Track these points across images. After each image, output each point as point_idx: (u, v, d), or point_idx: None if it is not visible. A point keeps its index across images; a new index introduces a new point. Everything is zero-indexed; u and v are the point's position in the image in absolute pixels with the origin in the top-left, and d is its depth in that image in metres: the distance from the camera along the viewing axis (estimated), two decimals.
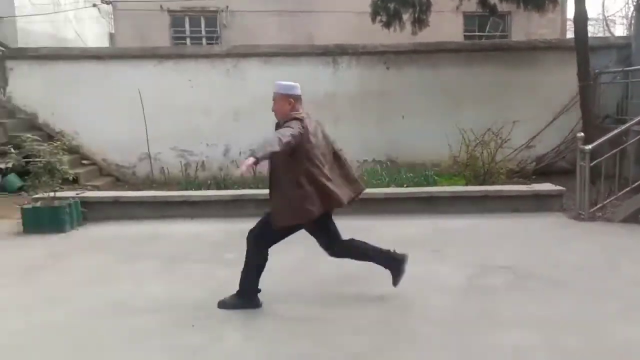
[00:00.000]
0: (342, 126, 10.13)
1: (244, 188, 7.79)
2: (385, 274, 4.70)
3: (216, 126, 9.90)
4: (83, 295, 4.31)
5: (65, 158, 8.19)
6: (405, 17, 9.59)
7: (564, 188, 7.06)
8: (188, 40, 14.03)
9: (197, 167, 9.65)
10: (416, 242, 5.72)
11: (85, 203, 6.64)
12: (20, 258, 5.31)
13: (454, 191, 7.06)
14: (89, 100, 9.58)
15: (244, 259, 4.67)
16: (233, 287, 4.08)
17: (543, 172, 9.27)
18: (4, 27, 12.18)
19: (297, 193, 3.73)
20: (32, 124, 9.65)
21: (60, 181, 6.58)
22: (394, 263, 4.18)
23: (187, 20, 14.05)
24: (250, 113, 9.92)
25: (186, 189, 7.99)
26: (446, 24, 12.10)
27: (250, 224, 6.37)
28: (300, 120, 3.78)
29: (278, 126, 3.94)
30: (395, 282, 4.19)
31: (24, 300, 4.23)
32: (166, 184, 9.19)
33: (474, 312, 3.90)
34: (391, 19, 9.45)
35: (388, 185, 7.68)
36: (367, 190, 7.16)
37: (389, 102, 10.14)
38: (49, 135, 9.13)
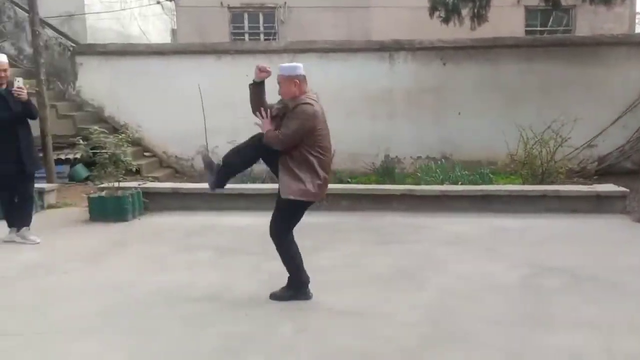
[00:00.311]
0: (397, 122, 10.13)
1: None
2: (439, 271, 4.71)
3: None
4: (144, 282, 4.52)
5: (129, 150, 8.57)
6: (464, 12, 9.44)
7: (627, 189, 6.79)
8: (246, 36, 14.30)
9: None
10: (470, 240, 5.66)
11: (147, 193, 6.92)
12: (87, 244, 5.61)
13: (510, 190, 6.91)
14: (152, 94, 9.94)
15: None
16: (283, 279, 4.17)
17: (605, 172, 8.93)
18: (75, 25, 12.81)
19: (300, 171, 3.84)
20: (99, 117, 10.12)
21: (123, 172, 6.88)
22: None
23: (246, 16, 14.32)
24: None
25: (240, 182, 8.17)
26: (506, 19, 11.79)
27: (304, 217, 6.49)
28: (311, 105, 3.86)
29: (286, 108, 3.96)
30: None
31: (93, 284, 4.48)
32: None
33: (528, 313, 3.84)
34: (450, 14, 9.33)
35: (442, 183, 7.61)
36: (421, 187, 7.19)
37: (445, 98, 10.02)
38: (114, 128, 9.56)
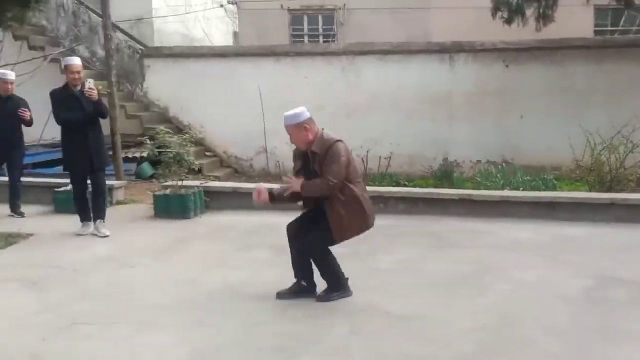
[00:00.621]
0: (457, 125, 9.98)
1: None
2: (500, 278, 4.63)
3: (329, 123, 9.88)
4: (205, 278, 4.67)
5: (192, 150, 8.86)
6: (529, 12, 9.19)
7: None
8: (306, 38, 14.46)
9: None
10: (532, 247, 5.53)
11: (208, 192, 7.14)
12: (153, 240, 5.85)
13: (576, 197, 6.69)
14: (214, 96, 10.22)
15: (352, 254, 4.84)
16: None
17: None
18: (143, 28, 13.34)
19: (352, 209, 3.94)
20: (165, 117, 10.51)
21: (187, 171, 7.13)
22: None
23: (305, 18, 14.48)
24: (363, 111, 10.06)
25: None
26: (574, 19, 11.38)
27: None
28: (339, 141, 3.96)
29: (314, 155, 3.97)
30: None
31: (158, 279, 4.68)
32: (281, 177, 9.56)
33: (590, 324, 3.72)
34: (513, 15, 9.11)
35: (502, 188, 7.44)
36: (480, 192, 7.07)
37: (507, 101, 9.79)
38: (178, 128, 9.90)
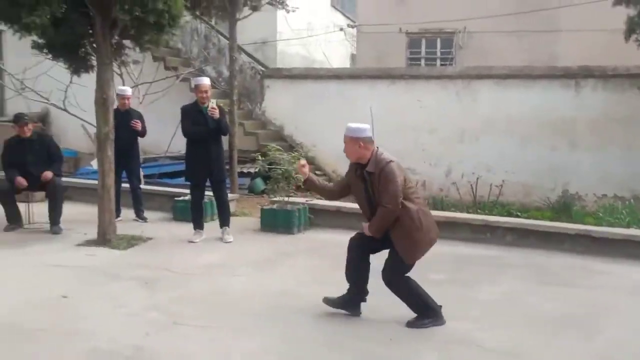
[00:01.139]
0: (579, 154, 9.37)
1: (459, 211, 7.70)
2: (613, 322, 4.25)
3: (440, 146, 9.96)
4: (299, 292, 4.77)
5: None
6: None
7: None
8: (422, 61, 14.39)
9: (416, 184, 9.80)
10: None
11: (313, 209, 7.30)
12: (257, 252, 6.09)
13: None
14: (327, 116, 10.47)
15: (450, 281, 4.70)
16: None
17: None
18: (267, 50, 14.10)
19: (415, 227, 3.93)
20: (279, 135, 10.96)
21: (294, 187, 7.35)
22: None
23: (423, 41, 14.42)
24: (477, 135, 9.78)
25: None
26: None
27: (463, 248, 6.32)
28: (392, 161, 3.91)
29: (363, 168, 4.00)
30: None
31: (258, 288, 4.86)
32: None
33: None
34: None
35: (628, 226, 6.81)
36: (601, 229, 6.52)
37: (639, 130, 8.99)
38: (291, 146, 10.26)
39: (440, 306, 4.13)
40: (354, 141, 4.01)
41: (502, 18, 13.52)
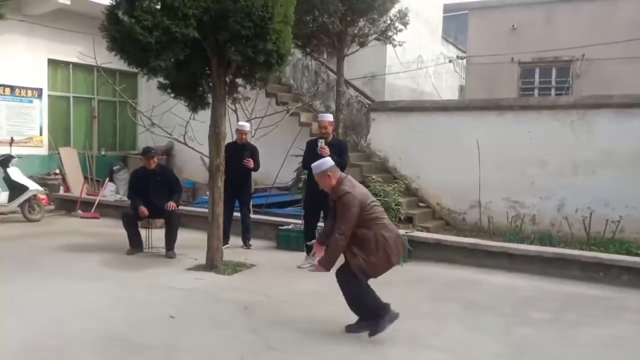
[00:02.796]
0: None
1: (571, 247, 7.27)
2: None
3: (552, 179, 9.48)
4: (395, 326, 4.75)
5: (404, 200, 9.15)
6: None
7: None
8: (536, 91, 13.86)
9: (522, 219, 9.38)
10: None
11: (412, 241, 7.28)
12: None
13: None
14: (432, 148, 10.41)
15: (552, 321, 4.50)
16: (531, 345, 3.94)
17: None
18: (376, 83, 14.38)
19: (370, 250, 4.33)
20: (383, 167, 11.06)
21: (396, 220, 7.39)
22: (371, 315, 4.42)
23: (537, 71, 13.94)
24: (593, 168, 9.20)
25: (509, 241, 7.92)
26: None
27: (572, 286, 5.98)
28: (349, 193, 4.30)
29: (334, 201, 4.46)
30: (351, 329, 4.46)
31: (351, 319, 4.85)
32: (492, 233, 9.23)
33: None
34: None
35: None
36: None
37: None
38: (394, 178, 10.32)
39: (388, 304, 4.44)
40: (323, 174, 4.52)
41: (625, 44, 12.72)
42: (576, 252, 6.75)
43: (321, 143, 6.62)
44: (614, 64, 13.05)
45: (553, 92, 13.54)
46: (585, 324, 4.90)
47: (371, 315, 4.44)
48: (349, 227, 4.30)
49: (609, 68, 13.07)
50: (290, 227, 7.98)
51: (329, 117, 6.94)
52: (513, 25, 14.46)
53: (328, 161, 4.61)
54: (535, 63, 13.91)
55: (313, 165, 4.65)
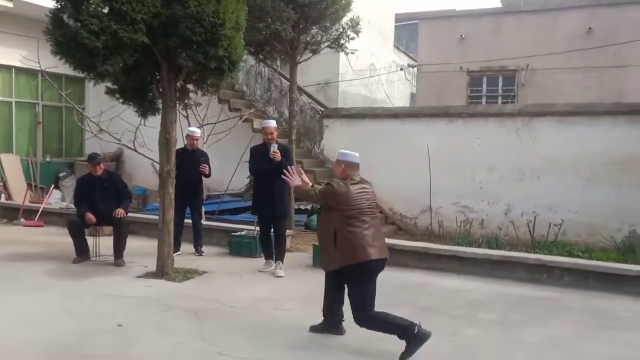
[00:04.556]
0: None
1: (516, 250, 7.52)
2: None
3: (499, 185, 9.79)
4: (351, 330, 4.77)
5: None
6: None
7: None
8: (484, 100, 14.29)
9: (471, 223, 9.64)
10: None
11: None
12: (306, 287, 6.19)
13: None
14: (384, 154, 10.56)
15: (500, 322, 4.63)
16: (480, 345, 4.04)
17: None
18: (329, 91, 14.48)
19: (335, 243, 4.35)
20: None
21: None
22: (407, 332, 4.21)
23: (484, 79, 14.36)
24: (537, 173, 9.55)
25: (458, 244, 8.11)
26: None
27: (517, 288, 6.18)
28: (336, 184, 4.40)
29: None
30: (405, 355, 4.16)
31: (301, 323, 4.91)
32: (443, 237, 9.44)
33: None
34: None
35: None
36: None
37: None
38: None
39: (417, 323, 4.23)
40: (338, 163, 4.64)
41: (566, 54, 13.30)
42: (521, 254, 6.98)
43: (274, 147, 6.68)
44: (556, 73, 13.61)
45: (500, 100, 14.00)
46: (531, 324, 5.07)
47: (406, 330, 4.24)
48: (318, 199, 4.62)
49: (551, 77, 13.62)
50: (243, 233, 7.92)
51: (274, 123, 7.00)
52: (462, 35, 14.89)
53: (349, 155, 4.62)
54: (482, 72, 14.35)
55: (340, 151, 4.69)
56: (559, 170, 9.42)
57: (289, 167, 4.94)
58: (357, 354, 4.27)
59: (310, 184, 4.81)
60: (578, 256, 7.54)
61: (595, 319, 5.24)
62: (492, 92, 14.25)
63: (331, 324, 4.69)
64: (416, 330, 4.15)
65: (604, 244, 8.63)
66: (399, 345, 4.20)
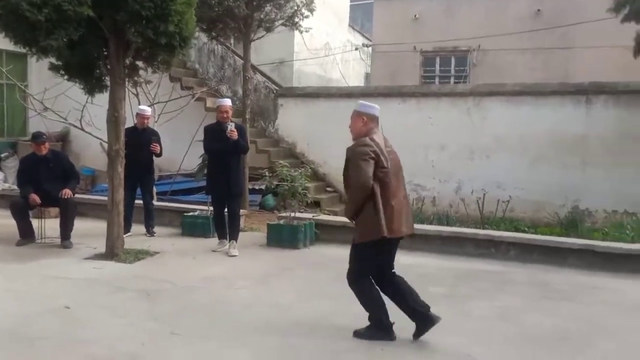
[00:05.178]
0: (591, 171, 9.31)
1: (466, 227, 7.72)
2: (609, 339, 4.25)
3: (450, 163, 10.00)
4: (298, 305, 4.88)
5: (312, 185, 9.25)
6: None
7: None
8: (437, 79, 14.48)
9: (423, 201, 9.83)
10: None
11: (319, 225, 7.40)
12: (260, 266, 6.21)
13: None
14: (339, 133, 10.43)
15: (449, 296, 4.73)
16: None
17: None
18: (284, 70, 14.37)
19: (370, 212, 3.86)
20: (291, 153, 11.12)
21: (305, 204, 7.47)
22: (422, 318, 4.04)
23: (437, 60, 14.54)
24: (487, 152, 9.80)
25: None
26: None
27: (467, 263, 6.34)
28: (367, 146, 3.89)
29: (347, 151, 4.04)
30: (358, 333, 4.10)
31: (257, 301, 4.96)
32: None
33: None
34: None
35: (632, 241, 6.74)
36: (604, 244, 6.49)
37: None
38: (302, 163, 10.39)
39: (393, 323, 4.10)
40: (358, 116, 4.10)
41: (516, 36, 13.59)
42: (471, 230, 7.18)
43: (231, 126, 6.60)
44: (507, 54, 13.91)
45: (452, 80, 14.23)
46: (479, 297, 5.23)
47: (381, 327, 4.08)
48: (360, 180, 3.81)
49: (502, 58, 13.92)
50: (196, 213, 7.83)
51: (229, 102, 6.90)
52: (415, 16, 14.99)
53: (371, 107, 4.14)
54: (436, 52, 14.51)
55: (360, 101, 4.21)
56: (507, 149, 9.70)
57: None
58: (311, 330, 4.30)
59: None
60: (524, 231, 7.83)
61: (539, 292, 5.45)
62: (444, 73, 14.45)
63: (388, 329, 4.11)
64: (390, 335, 4.06)
65: (549, 220, 8.97)
66: (348, 319, 4.26)
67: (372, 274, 4.14)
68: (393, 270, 4.21)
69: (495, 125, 9.81)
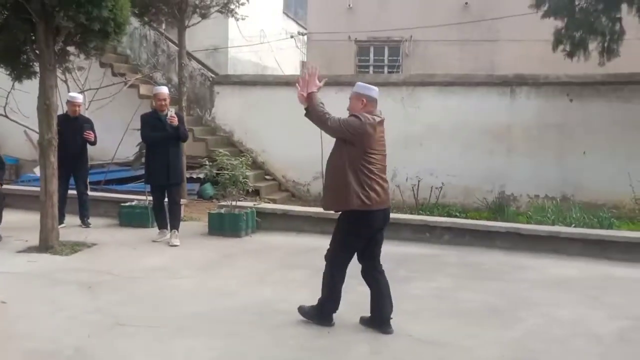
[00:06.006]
0: (515, 158, 9.85)
1: (402, 213, 8.03)
2: (532, 313, 4.59)
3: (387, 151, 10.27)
4: (242, 292, 4.95)
5: (251, 173, 9.26)
6: (592, 46, 9.01)
7: None
8: (371, 69, 14.78)
9: None
10: (574, 285, 5.40)
11: (260, 213, 7.47)
12: (202, 255, 6.21)
13: (629, 237, 6.43)
14: (276, 122, 10.64)
15: (388, 278, 4.93)
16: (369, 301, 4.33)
17: None
18: (218, 57, 14.13)
19: (343, 182, 3.97)
20: (229, 141, 11.05)
21: (245, 192, 7.50)
22: (381, 322, 4.14)
23: (371, 49, 14.83)
24: (420, 140, 10.15)
25: None
26: None
27: (403, 247, 6.60)
28: (358, 118, 4.01)
29: None
30: (303, 310, 4.25)
31: (201, 290, 4.99)
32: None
33: None
34: (575, 49, 8.96)
35: (553, 224, 7.27)
36: (528, 226, 6.96)
37: (570, 136, 9.56)
38: (240, 151, 10.38)
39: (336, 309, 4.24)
40: (358, 97, 4.20)
41: (446, 27, 14.08)
42: (406, 216, 7.48)
43: (171, 112, 6.57)
44: (437, 45, 14.39)
45: (386, 70, 14.56)
46: (416, 279, 5.51)
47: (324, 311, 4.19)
48: (336, 127, 4.02)
49: (433, 49, 14.39)
50: (134, 203, 7.68)
51: (166, 90, 6.85)
52: (349, 5, 15.19)
53: (372, 89, 4.22)
54: (370, 42, 14.79)
55: (359, 83, 4.26)
56: (439, 138, 10.09)
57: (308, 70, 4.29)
58: (256, 316, 4.39)
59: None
60: (456, 216, 8.22)
61: (470, 272, 5.80)
62: (378, 62, 14.77)
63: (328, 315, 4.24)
64: (328, 321, 4.17)
65: (478, 205, 9.45)
66: (292, 305, 4.38)
67: (354, 256, 4.21)
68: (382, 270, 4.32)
69: (428, 114, 10.17)
